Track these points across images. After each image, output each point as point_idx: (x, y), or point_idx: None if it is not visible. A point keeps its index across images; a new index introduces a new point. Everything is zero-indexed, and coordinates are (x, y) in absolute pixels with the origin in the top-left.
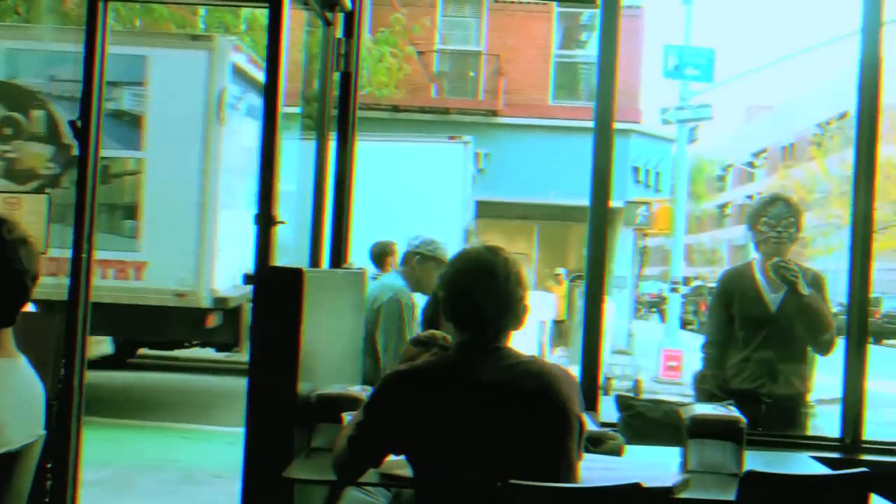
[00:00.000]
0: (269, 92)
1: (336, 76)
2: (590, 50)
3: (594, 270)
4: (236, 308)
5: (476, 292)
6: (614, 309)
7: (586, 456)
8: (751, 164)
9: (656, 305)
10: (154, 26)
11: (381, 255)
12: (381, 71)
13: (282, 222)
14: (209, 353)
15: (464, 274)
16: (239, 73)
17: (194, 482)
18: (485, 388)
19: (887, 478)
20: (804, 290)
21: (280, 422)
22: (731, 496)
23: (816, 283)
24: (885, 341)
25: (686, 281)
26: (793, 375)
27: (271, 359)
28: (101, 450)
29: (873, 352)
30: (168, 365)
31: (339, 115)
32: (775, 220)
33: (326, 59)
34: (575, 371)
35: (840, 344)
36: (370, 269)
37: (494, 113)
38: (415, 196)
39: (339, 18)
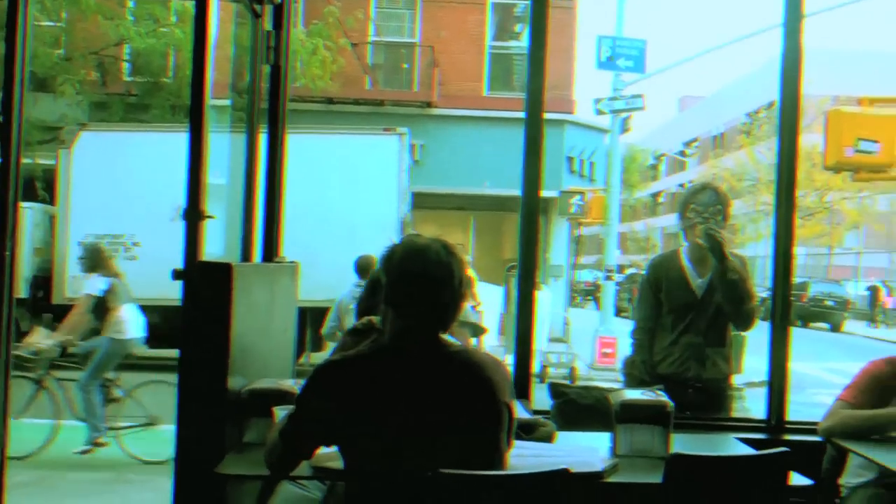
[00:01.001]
0: (196, 84)
1: (266, 69)
2: (524, 41)
3: (527, 259)
4: None
5: (425, 281)
6: (550, 297)
7: (517, 443)
8: (682, 153)
9: (591, 293)
10: (80, 17)
11: (365, 268)
12: (314, 63)
13: (210, 216)
14: (141, 349)
15: (414, 261)
16: None
17: (125, 480)
18: (419, 377)
19: (808, 456)
20: (729, 255)
21: (211, 417)
22: (659, 479)
23: (742, 264)
24: (812, 324)
25: (620, 269)
26: (718, 359)
27: (201, 354)
28: (29, 449)
29: (800, 335)
30: None
31: (270, 107)
32: (703, 207)
33: (255, 52)
34: (509, 360)
35: (765, 327)
36: (355, 279)
37: (429, 104)
38: (350, 188)
39: (268, 10)
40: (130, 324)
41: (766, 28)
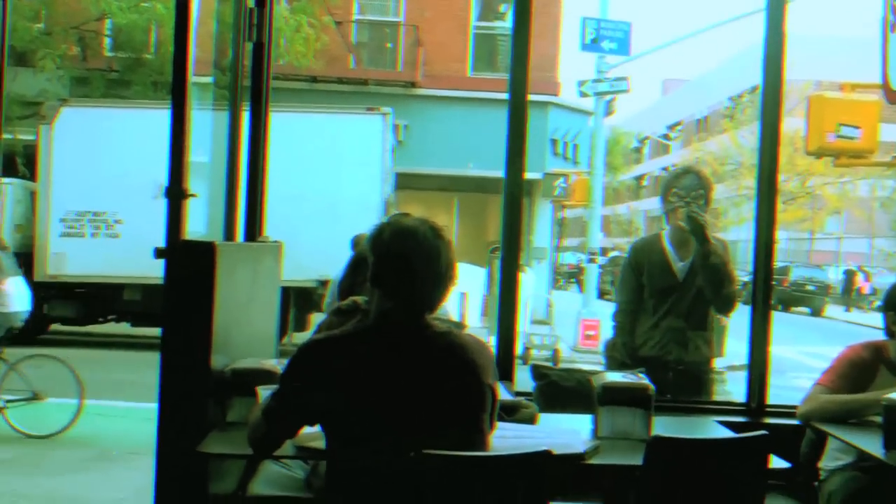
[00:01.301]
0: (179, 61)
1: (249, 46)
2: (508, 22)
3: (509, 241)
4: None
5: (417, 263)
6: (534, 280)
7: (500, 424)
8: (666, 137)
9: (575, 276)
10: None
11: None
12: (298, 41)
13: (193, 195)
14: (124, 327)
15: (402, 242)
16: None
17: (108, 459)
18: (404, 358)
19: (787, 439)
20: (711, 238)
21: (193, 396)
22: (639, 461)
23: (724, 249)
24: (793, 308)
25: (603, 251)
26: (700, 342)
27: (183, 333)
28: (11, 427)
29: (782, 319)
30: (81, 340)
31: (253, 85)
32: (685, 191)
33: (238, 29)
34: (492, 342)
35: (746, 311)
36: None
37: (413, 84)
38: (334, 168)
39: None
40: (15, 297)
41: (750, 12)
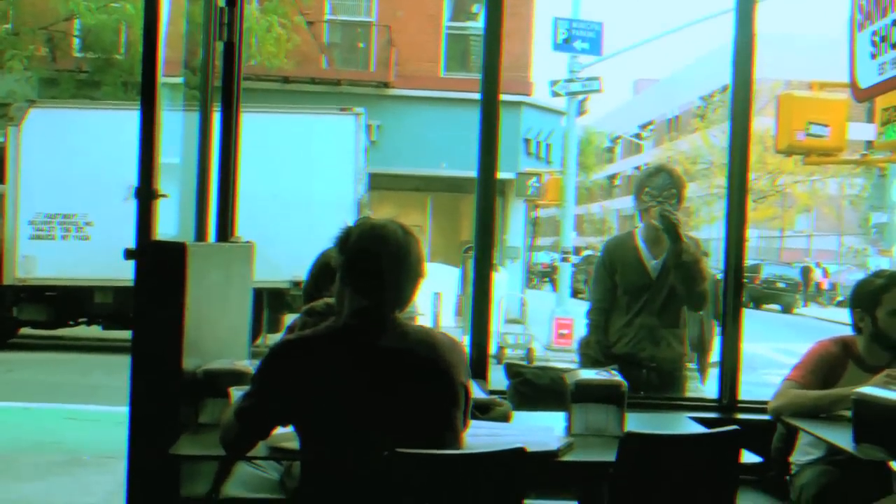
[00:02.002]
0: (148, 61)
1: (219, 46)
2: (481, 22)
3: (483, 241)
4: None
5: (383, 258)
6: (507, 279)
7: (473, 423)
8: (638, 136)
9: (548, 275)
10: None
11: None
12: (269, 41)
13: (164, 195)
14: (95, 330)
15: (371, 240)
16: None
17: (80, 463)
18: (377, 357)
19: (758, 434)
20: (684, 236)
21: (165, 398)
22: (612, 457)
23: (696, 246)
24: (764, 306)
25: (577, 251)
26: (672, 339)
27: (154, 335)
28: None
29: (753, 316)
30: (52, 344)
31: (224, 85)
32: (657, 190)
33: (209, 29)
34: (467, 341)
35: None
36: None
37: (386, 84)
38: (306, 168)
39: None
40: None
41: (720, 12)
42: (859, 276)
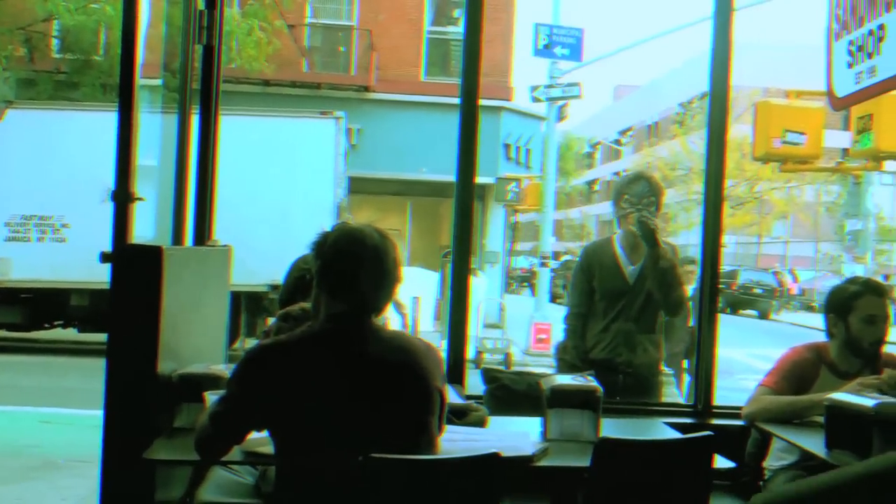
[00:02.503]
0: (126, 63)
1: (199, 49)
2: (462, 27)
3: (461, 246)
4: None
5: (359, 262)
6: (486, 283)
7: (449, 428)
8: (617, 142)
9: (527, 280)
10: None
11: None
12: (250, 44)
13: (140, 199)
14: (71, 333)
15: (347, 244)
16: None
17: (54, 467)
18: (352, 362)
19: (733, 439)
20: (661, 242)
21: (139, 402)
22: (587, 462)
23: (672, 252)
24: (741, 311)
25: (556, 256)
26: (649, 345)
27: (129, 339)
28: None
29: (730, 322)
30: (27, 347)
31: (202, 88)
32: (636, 197)
33: (188, 32)
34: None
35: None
36: None
37: (366, 88)
38: (286, 172)
39: None
40: None
41: (699, 20)
42: (834, 282)
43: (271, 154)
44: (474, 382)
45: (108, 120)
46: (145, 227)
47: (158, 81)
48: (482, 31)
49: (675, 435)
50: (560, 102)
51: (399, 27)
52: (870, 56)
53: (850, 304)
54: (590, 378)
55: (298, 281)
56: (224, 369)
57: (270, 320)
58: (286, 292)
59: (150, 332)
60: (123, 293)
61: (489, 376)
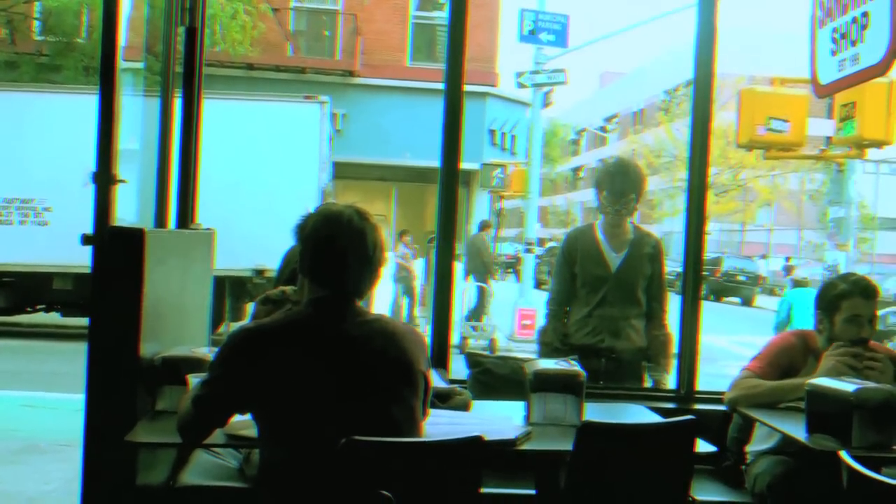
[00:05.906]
0: (107, 45)
1: (181, 31)
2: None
3: (446, 231)
4: None
5: (344, 247)
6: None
7: (433, 411)
8: (603, 129)
9: (512, 266)
10: None
11: None
12: (234, 28)
13: (122, 181)
14: (54, 317)
15: (328, 228)
16: None
17: (37, 451)
18: (336, 345)
19: (715, 424)
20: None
21: (121, 385)
22: (570, 446)
23: (657, 248)
24: (725, 298)
25: (541, 242)
26: (631, 331)
27: (112, 321)
28: None
29: (714, 309)
30: (9, 331)
31: (185, 71)
32: (615, 196)
33: (170, 13)
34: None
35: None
36: None
37: (352, 73)
38: (270, 156)
39: None
40: None
41: (684, 7)
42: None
43: (255, 138)
44: (458, 367)
45: (90, 103)
46: (128, 211)
47: (141, 64)
48: (467, 16)
49: (657, 419)
50: (545, 89)
51: (384, 12)
52: (853, 44)
53: (837, 304)
54: (573, 362)
55: (293, 274)
56: (207, 352)
57: (250, 306)
58: (279, 284)
59: (131, 315)
60: (105, 276)
61: (473, 360)
